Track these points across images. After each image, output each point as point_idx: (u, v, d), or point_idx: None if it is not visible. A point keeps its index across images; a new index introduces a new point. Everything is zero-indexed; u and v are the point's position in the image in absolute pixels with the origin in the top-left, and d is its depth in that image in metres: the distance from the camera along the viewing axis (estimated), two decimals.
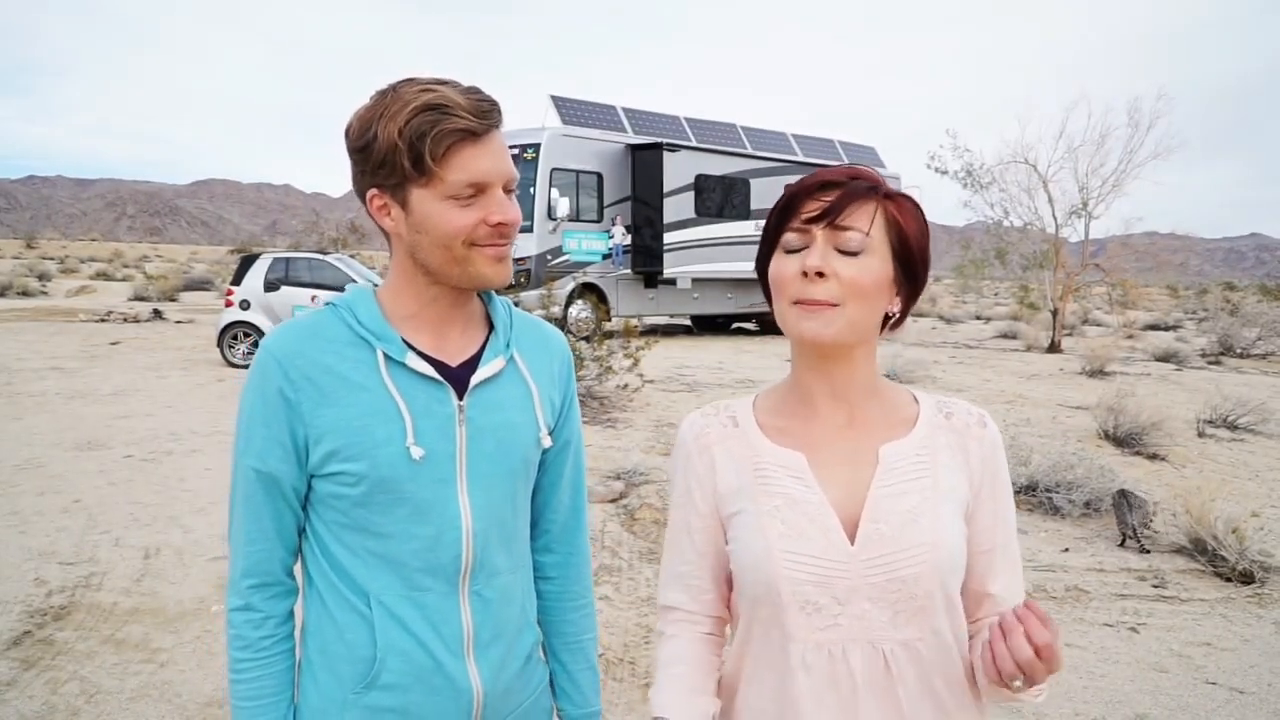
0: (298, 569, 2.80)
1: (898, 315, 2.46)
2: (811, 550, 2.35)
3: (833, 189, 2.37)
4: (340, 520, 2.64)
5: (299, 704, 2.77)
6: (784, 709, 2.41)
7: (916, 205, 2.42)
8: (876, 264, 2.34)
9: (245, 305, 24.65)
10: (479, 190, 2.53)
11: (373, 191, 2.61)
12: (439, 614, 2.63)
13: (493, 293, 2.88)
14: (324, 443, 2.58)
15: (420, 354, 2.65)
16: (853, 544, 2.34)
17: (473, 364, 2.72)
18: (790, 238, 2.39)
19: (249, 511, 2.72)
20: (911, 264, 2.40)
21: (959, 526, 2.39)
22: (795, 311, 2.37)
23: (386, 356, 2.61)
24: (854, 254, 2.33)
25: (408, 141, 2.47)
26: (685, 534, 2.63)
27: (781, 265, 2.40)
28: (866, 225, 2.33)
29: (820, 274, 2.32)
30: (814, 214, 2.35)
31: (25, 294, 50.30)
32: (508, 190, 2.60)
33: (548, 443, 2.81)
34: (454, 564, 2.64)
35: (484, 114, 2.52)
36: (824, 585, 2.34)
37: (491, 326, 2.82)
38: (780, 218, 2.43)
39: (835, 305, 2.32)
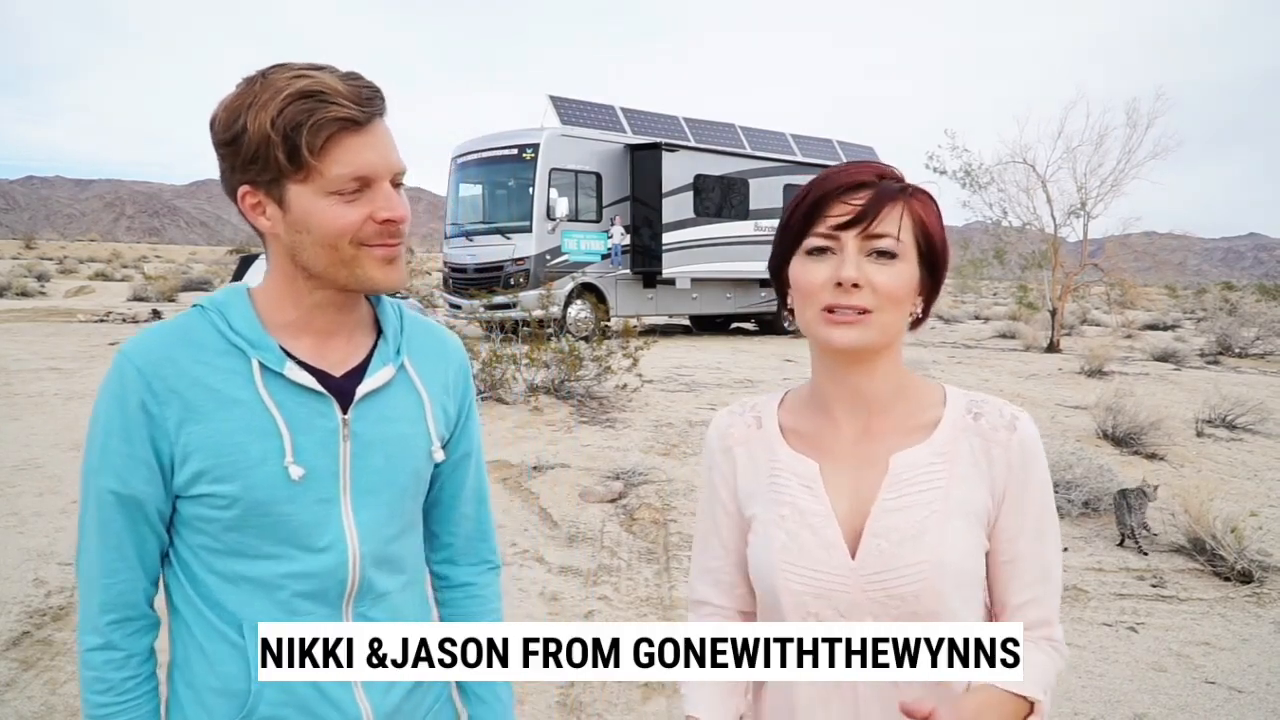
0: (159, 600, 2.58)
1: (919, 315, 2.42)
2: (811, 563, 2.35)
3: (863, 190, 2.32)
4: (209, 545, 2.44)
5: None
6: (794, 712, 2.41)
7: (934, 201, 2.39)
8: (907, 269, 2.32)
9: None
10: (364, 184, 2.35)
11: (244, 189, 2.40)
12: None
13: (382, 295, 2.67)
14: (191, 462, 2.36)
15: (300, 363, 2.46)
16: (854, 558, 2.32)
17: (359, 373, 2.54)
18: (815, 240, 2.34)
19: (106, 539, 2.44)
20: (936, 263, 2.38)
21: (971, 540, 2.34)
22: (825, 319, 2.32)
23: (263, 366, 2.41)
24: (887, 260, 2.30)
25: (281, 133, 2.27)
26: (714, 530, 2.62)
27: (809, 270, 2.34)
28: (896, 229, 2.30)
29: (855, 284, 2.27)
30: (845, 219, 2.30)
31: (24, 294, 50.19)
32: (395, 184, 2.41)
33: (440, 456, 2.65)
34: (338, 588, 2.48)
35: (365, 101, 2.34)
36: (824, 598, 2.33)
37: (380, 332, 2.64)
38: (806, 219, 2.36)
39: (868, 312, 2.29)
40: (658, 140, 35.04)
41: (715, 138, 39.21)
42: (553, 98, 34.05)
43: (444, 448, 2.68)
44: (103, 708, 2.46)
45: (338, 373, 2.50)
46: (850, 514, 2.36)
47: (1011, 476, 2.38)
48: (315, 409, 2.43)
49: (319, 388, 2.44)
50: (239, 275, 25.01)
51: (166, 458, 2.37)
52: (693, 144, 36.99)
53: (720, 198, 36.48)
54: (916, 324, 2.42)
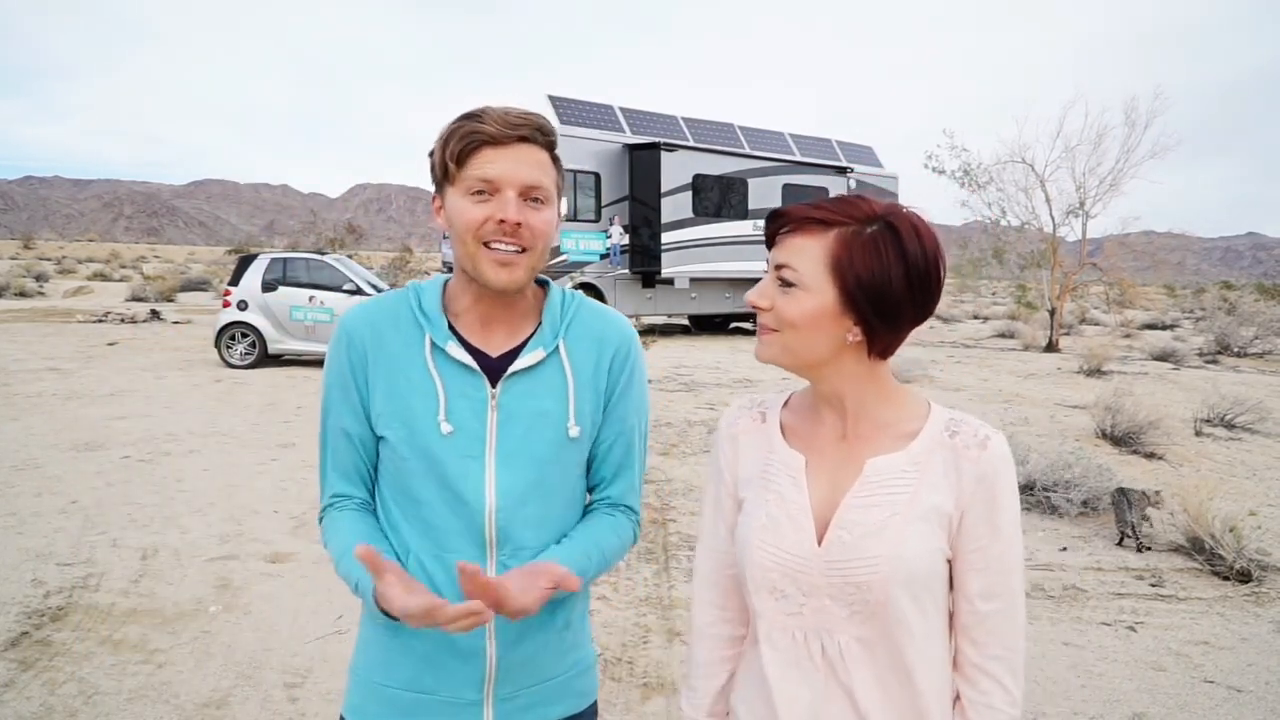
0: None
1: (860, 341, 2.52)
2: (782, 544, 2.54)
3: (777, 221, 2.55)
4: (390, 478, 2.92)
5: (362, 633, 3.05)
6: (760, 680, 2.63)
7: (886, 240, 2.45)
8: (810, 299, 2.47)
9: (243, 306, 24.68)
10: (491, 189, 2.74)
11: (433, 195, 2.92)
12: None
13: (556, 287, 3.10)
14: (376, 406, 2.87)
15: (464, 342, 2.89)
16: (820, 545, 2.51)
17: (514, 355, 2.91)
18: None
19: (335, 457, 2.99)
20: (861, 299, 2.46)
21: (930, 543, 2.48)
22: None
23: (432, 341, 2.87)
24: (789, 287, 2.49)
25: (443, 145, 2.77)
26: (718, 510, 2.82)
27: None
28: (800, 260, 2.48)
29: (761, 305, 2.53)
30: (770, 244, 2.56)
31: (22, 295, 50.35)
32: (526, 198, 2.78)
33: (575, 433, 2.92)
34: (478, 534, 2.82)
35: (510, 125, 2.74)
36: (790, 577, 2.54)
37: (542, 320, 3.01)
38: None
39: (775, 331, 2.53)
40: (657, 140, 35.11)
41: (714, 137, 39.27)
42: (551, 97, 34.11)
43: (578, 424, 2.97)
44: (340, 534, 2.90)
45: (495, 353, 2.91)
46: (824, 506, 2.55)
47: (977, 489, 2.51)
48: (469, 381, 2.86)
49: (472, 364, 2.87)
50: (237, 275, 25.12)
51: (365, 402, 2.91)
52: (692, 144, 37.05)
53: (719, 197, 36.54)
54: (877, 352, 2.55)
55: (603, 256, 33.60)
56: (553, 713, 3.01)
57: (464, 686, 2.87)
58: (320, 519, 3.03)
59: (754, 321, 2.63)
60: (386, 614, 2.64)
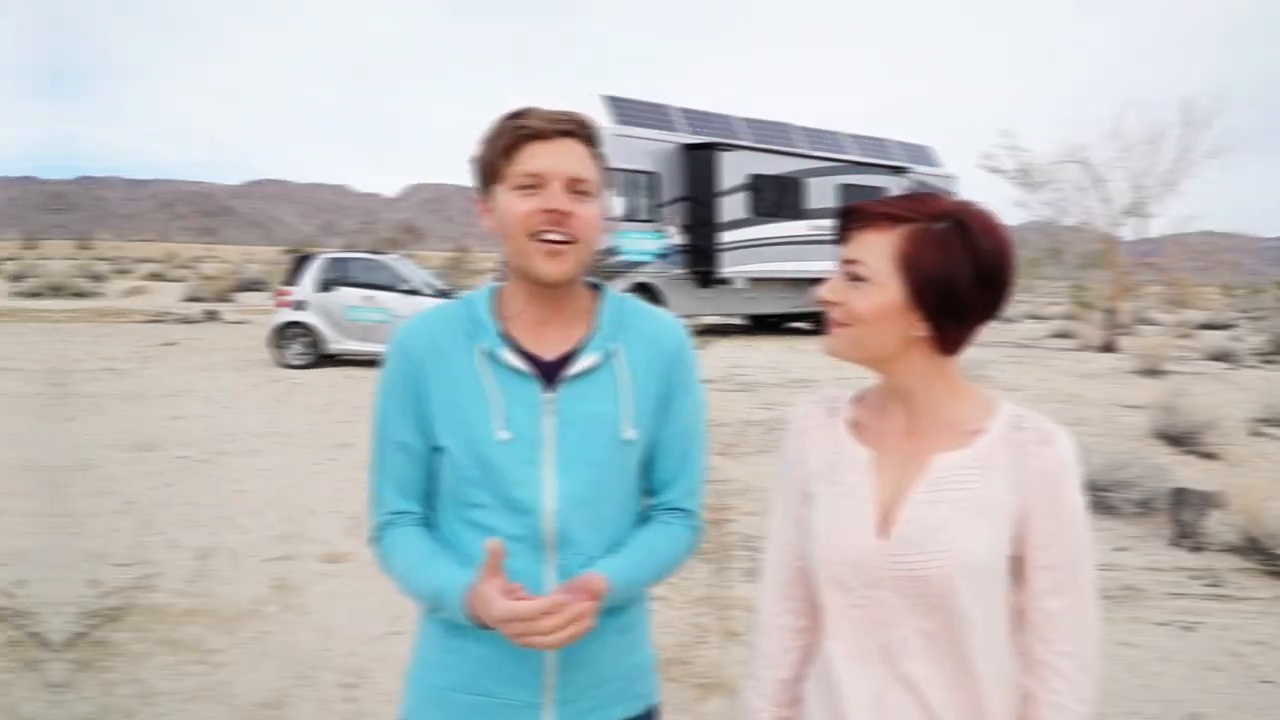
0: None
1: (928, 337, 2.57)
2: (847, 538, 2.59)
3: (848, 216, 2.60)
4: (448, 489, 2.93)
5: (420, 636, 3.08)
6: (828, 671, 2.69)
7: (955, 237, 2.51)
8: (877, 292, 2.52)
9: (300, 306, 24.75)
10: (538, 182, 2.77)
11: (478, 198, 2.96)
12: (522, 578, 2.70)
13: (608, 289, 3.11)
14: (433, 418, 2.89)
15: (517, 348, 2.90)
16: (884, 540, 2.55)
17: (568, 359, 2.92)
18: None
19: (391, 472, 2.99)
20: (928, 295, 2.51)
21: (992, 538, 2.52)
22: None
23: (486, 348, 2.88)
24: (859, 282, 2.53)
25: (489, 145, 2.85)
26: (784, 501, 2.86)
27: None
28: (869, 256, 2.53)
29: (831, 300, 2.58)
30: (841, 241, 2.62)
31: (79, 295, 50.58)
32: (572, 190, 2.80)
33: (630, 435, 2.94)
34: (537, 539, 2.84)
35: (554, 121, 2.80)
36: (854, 570, 2.58)
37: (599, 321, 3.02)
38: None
39: (844, 325, 2.58)
40: (713, 140, 35.12)
41: (771, 137, 39.25)
42: (607, 97, 34.14)
43: (649, 426, 3.02)
44: (403, 558, 2.94)
45: (550, 356, 2.93)
46: (889, 500, 2.60)
47: (1042, 485, 2.55)
48: (525, 387, 2.88)
49: (527, 370, 2.89)
50: (294, 275, 25.18)
51: (422, 413, 2.92)
52: (749, 144, 37.01)
53: (776, 197, 36.56)
54: (945, 348, 2.61)
55: (659, 256, 33.61)
56: (613, 714, 3.03)
57: (523, 689, 2.88)
58: (376, 537, 3.03)
59: (810, 321, 2.62)
60: (472, 619, 2.67)
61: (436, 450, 2.92)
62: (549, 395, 2.87)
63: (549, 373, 2.90)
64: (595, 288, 3.09)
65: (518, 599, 2.56)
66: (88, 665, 7.33)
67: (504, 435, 2.82)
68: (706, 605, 8.80)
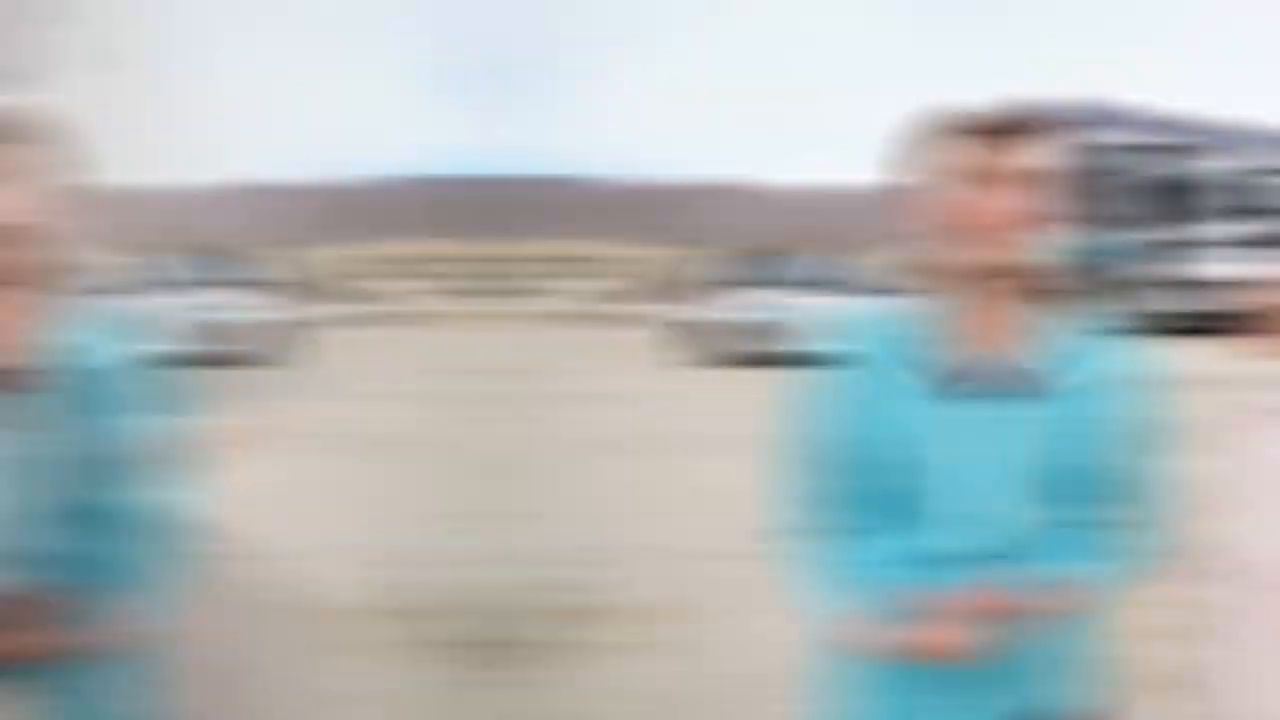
0: None
1: None
2: None
3: None
4: (878, 502, 2.75)
5: None
6: None
7: None
8: None
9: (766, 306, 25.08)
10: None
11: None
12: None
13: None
14: (866, 426, 2.74)
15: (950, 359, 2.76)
16: None
17: (994, 370, 2.77)
18: None
19: (817, 481, 2.84)
20: None
21: None
22: None
23: (920, 357, 2.74)
24: None
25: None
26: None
27: None
28: None
29: None
30: None
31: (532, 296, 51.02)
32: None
33: (1075, 446, 2.76)
34: (977, 554, 2.66)
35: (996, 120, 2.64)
36: None
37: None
38: None
39: None
40: (1171, 141, 34.49)
41: (1230, 139, 38.12)
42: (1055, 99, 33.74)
43: (1098, 434, 2.79)
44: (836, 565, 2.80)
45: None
46: None
47: None
48: (959, 397, 2.71)
49: (962, 381, 2.71)
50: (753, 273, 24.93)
51: (857, 422, 2.75)
52: (1210, 144, 36.17)
53: (1228, 199, 35.57)
54: None
55: (1104, 256, 33.08)
56: (1057, 710, 2.81)
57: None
58: (802, 550, 2.90)
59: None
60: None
61: (867, 461, 2.79)
62: (978, 405, 2.75)
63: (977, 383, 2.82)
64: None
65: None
66: (564, 665, 7.55)
67: (940, 447, 2.72)
68: (1161, 605, 8.65)
